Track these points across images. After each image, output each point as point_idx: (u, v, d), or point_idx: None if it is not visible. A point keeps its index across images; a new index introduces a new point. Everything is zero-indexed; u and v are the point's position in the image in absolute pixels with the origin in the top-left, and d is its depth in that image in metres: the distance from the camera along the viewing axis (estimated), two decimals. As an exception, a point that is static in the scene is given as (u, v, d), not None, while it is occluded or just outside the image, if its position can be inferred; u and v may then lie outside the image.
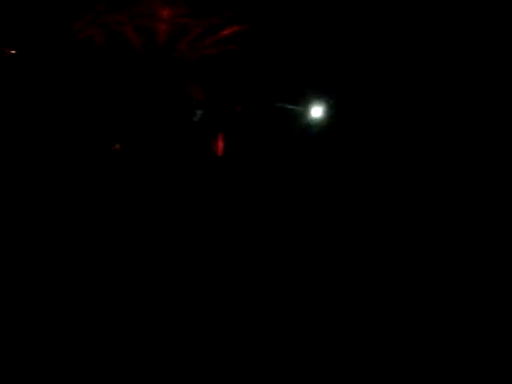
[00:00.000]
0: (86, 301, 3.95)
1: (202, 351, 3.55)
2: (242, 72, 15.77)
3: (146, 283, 4.21)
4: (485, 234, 6.39)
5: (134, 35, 15.71)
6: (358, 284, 3.84)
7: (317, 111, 3.94)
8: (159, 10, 15.80)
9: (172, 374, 3.31)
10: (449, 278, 5.12)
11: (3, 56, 12.99)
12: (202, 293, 4.25)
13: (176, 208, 3.97)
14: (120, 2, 15.01)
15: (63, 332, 3.56)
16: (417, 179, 7.65)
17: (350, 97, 8.69)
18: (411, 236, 6.06)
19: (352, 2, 15.25)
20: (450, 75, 12.06)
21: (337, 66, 14.10)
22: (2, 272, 3.90)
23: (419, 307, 4.42)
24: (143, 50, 16.05)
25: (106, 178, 5.29)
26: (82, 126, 8.88)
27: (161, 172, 4.89)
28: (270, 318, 3.97)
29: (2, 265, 3.88)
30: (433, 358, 3.60)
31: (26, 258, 3.92)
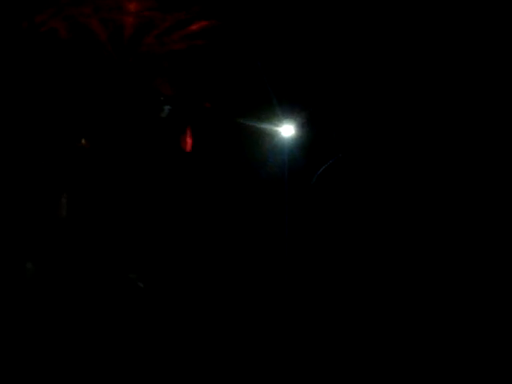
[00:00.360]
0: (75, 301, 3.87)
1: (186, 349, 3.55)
2: (210, 67, 15.68)
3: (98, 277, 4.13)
4: (481, 233, 6.47)
5: (100, 28, 15.39)
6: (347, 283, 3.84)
7: (288, 130, 3.93)
8: (126, 3, 15.51)
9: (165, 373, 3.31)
10: (444, 276, 5.21)
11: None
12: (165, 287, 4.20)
13: (144, 202, 3.93)
14: (84, -7, 14.68)
15: (63, 332, 3.50)
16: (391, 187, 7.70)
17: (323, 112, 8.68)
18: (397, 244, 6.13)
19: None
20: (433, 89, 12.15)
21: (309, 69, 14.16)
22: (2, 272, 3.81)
23: (412, 307, 4.50)
24: (109, 43, 15.75)
25: (72, 174, 5.18)
26: (45, 120, 8.64)
27: (129, 167, 4.82)
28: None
29: None
30: (430, 357, 3.67)
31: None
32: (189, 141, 12.46)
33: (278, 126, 4.22)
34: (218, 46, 15.75)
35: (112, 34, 15.66)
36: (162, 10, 15.67)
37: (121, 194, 4.02)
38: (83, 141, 7.22)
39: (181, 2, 15.67)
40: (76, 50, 14.84)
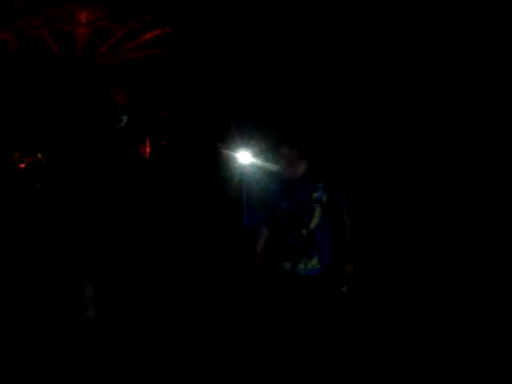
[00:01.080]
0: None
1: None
2: (166, 75, 15.63)
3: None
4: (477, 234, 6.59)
5: (51, 40, 15.09)
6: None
7: (245, 156, 3.99)
8: (77, 14, 15.29)
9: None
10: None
11: None
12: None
13: (105, 214, 3.93)
14: (35, 4, 14.34)
15: (63, 332, 3.47)
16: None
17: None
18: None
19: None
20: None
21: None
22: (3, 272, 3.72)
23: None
24: (62, 55, 15.47)
25: (31, 189, 5.11)
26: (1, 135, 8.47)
27: (88, 179, 4.79)
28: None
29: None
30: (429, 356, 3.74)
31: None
32: (148, 149, 12.40)
33: (234, 149, 4.27)
34: (173, 54, 15.72)
35: (64, 45, 15.40)
36: (115, 20, 15.52)
37: (82, 204, 4.02)
38: (39, 155, 7.12)
39: (133, 11, 15.56)
40: (28, 63, 14.49)
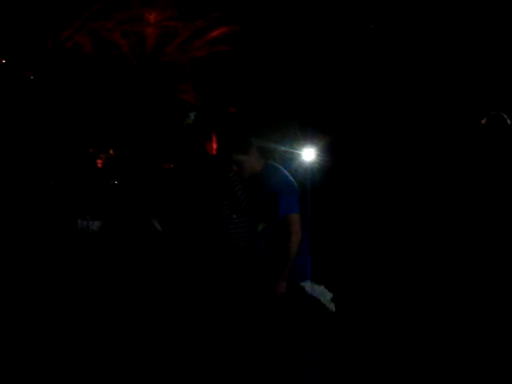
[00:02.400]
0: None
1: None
2: (233, 72, 15.70)
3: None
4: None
5: (123, 41, 15.64)
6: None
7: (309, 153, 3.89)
8: (146, 15, 15.74)
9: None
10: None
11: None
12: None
13: (170, 209, 3.90)
14: (107, 8, 14.90)
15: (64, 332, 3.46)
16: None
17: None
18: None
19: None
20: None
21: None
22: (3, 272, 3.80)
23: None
24: (132, 55, 15.98)
25: (102, 184, 5.18)
26: (74, 133, 8.80)
27: (157, 175, 4.79)
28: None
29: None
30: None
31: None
32: (214, 146, 12.43)
33: (299, 145, 4.18)
34: (239, 51, 15.76)
35: (135, 45, 15.91)
36: (182, 19, 15.84)
37: (150, 198, 4.04)
38: (111, 151, 7.29)
39: (200, 9, 15.77)
40: (101, 63, 15.09)
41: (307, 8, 15.50)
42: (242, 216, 3.36)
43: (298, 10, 15.56)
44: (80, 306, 3.58)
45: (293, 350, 3.09)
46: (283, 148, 4.41)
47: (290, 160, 4.52)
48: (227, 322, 3.22)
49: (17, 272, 3.63)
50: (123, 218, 3.98)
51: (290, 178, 3.22)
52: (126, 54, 15.99)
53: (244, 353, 3.13)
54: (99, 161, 7.17)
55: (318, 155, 5.23)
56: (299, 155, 4.82)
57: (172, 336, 3.44)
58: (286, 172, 3.25)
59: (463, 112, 10.77)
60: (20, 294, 3.56)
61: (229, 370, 3.14)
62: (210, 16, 15.91)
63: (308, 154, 4.65)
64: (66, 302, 3.54)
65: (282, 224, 3.06)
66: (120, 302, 3.66)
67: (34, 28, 13.89)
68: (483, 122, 4.77)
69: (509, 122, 4.66)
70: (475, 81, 11.89)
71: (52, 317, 3.48)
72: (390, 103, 12.20)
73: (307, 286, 3.18)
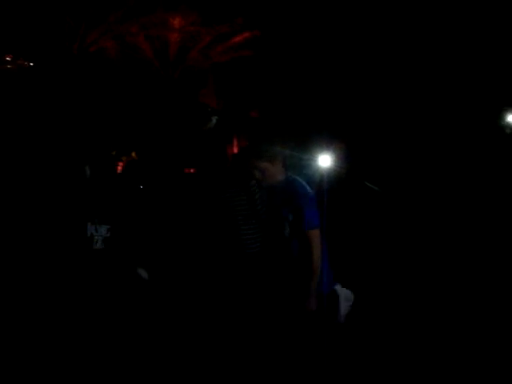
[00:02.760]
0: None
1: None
2: (255, 77, 15.73)
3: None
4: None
5: (146, 45, 15.81)
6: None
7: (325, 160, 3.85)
8: (170, 20, 15.88)
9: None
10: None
11: (22, 68, 13.18)
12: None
13: (193, 212, 3.90)
14: (131, 12, 15.08)
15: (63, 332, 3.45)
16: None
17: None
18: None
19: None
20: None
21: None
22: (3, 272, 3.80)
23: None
24: (156, 59, 16.15)
25: (123, 188, 5.21)
26: (97, 136, 8.88)
27: (179, 177, 4.81)
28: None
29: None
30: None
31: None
32: (235, 150, 12.44)
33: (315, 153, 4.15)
34: (261, 56, 15.79)
35: (158, 50, 16.08)
36: (206, 24, 15.94)
37: (171, 202, 4.06)
38: (133, 153, 7.34)
39: (223, 15, 15.86)
40: (124, 67, 15.27)
41: (330, 14, 15.48)
42: (256, 224, 3.36)
43: (321, 16, 15.55)
44: (83, 308, 3.58)
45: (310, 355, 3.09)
46: (302, 155, 4.37)
47: (306, 167, 4.49)
48: (236, 327, 3.22)
49: (19, 271, 3.65)
50: (135, 221, 3.98)
51: (311, 191, 3.20)
52: (150, 59, 16.16)
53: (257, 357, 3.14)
54: (120, 163, 7.22)
55: (334, 161, 5.17)
56: (315, 161, 4.79)
57: (181, 342, 3.45)
58: (306, 185, 3.21)
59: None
60: (20, 293, 3.58)
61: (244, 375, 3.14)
62: (232, 22, 15.98)
63: (324, 161, 4.61)
64: (67, 301, 3.55)
65: (305, 238, 3.06)
66: (127, 305, 3.67)
67: (60, 32, 14.13)
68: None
69: None
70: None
71: (52, 316, 3.50)
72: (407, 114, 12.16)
73: (338, 289, 3.21)
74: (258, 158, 3.14)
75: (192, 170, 5.26)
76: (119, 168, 7.41)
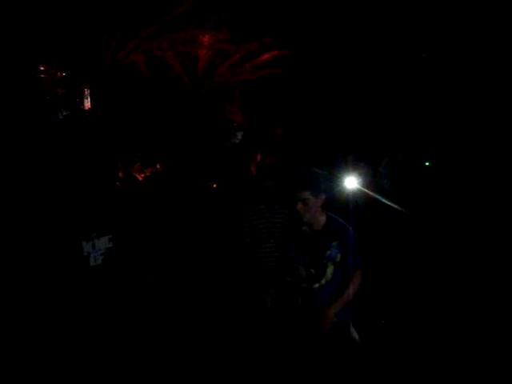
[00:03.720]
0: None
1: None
2: (281, 95, 15.80)
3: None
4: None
5: (176, 61, 16.07)
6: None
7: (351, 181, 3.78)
8: (200, 37, 16.14)
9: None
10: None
11: (54, 78, 13.51)
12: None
13: (214, 227, 3.90)
14: (162, 28, 15.37)
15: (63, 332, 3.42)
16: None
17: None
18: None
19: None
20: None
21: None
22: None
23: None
24: (184, 74, 16.39)
25: (147, 199, 5.24)
26: (126, 148, 9.04)
27: (202, 190, 4.81)
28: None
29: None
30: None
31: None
32: (259, 166, 12.45)
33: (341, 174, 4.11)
34: (289, 75, 15.88)
35: (187, 65, 16.32)
36: (235, 42, 16.15)
37: (196, 215, 4.08)
38: (158, 165, 7.42)
39: (253, 33, 16.04)
40: (154, 82, 15.52)
41: (358, 34, 15.51)
42: (274, 244, 3.41)
43: (349, 36, 15.59)
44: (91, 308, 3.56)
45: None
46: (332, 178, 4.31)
47: (333, 189, 4.43)
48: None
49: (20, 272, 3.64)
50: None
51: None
52: (178, 73, 16.40)
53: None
54: (142, 175, 7.31)
55: (359, 183, 5.11)
56: (342, 183, 4.74)
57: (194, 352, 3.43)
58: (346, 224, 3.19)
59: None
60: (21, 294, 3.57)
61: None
62: (261, 40, 16.15)
63: (350, 182, 4.56)
64: (68, 301, 3.52)
65: (349, 277, 3.09)
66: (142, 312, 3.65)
67: (93, 45, 14.49)
68: None
69: None
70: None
71: (52, 316, 3.48)
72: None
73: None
74: (303, 189, 3.07)
75: (215, 185, 5.26)
76: (140, 178, 7.51)
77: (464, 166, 9.43)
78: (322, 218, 3.12)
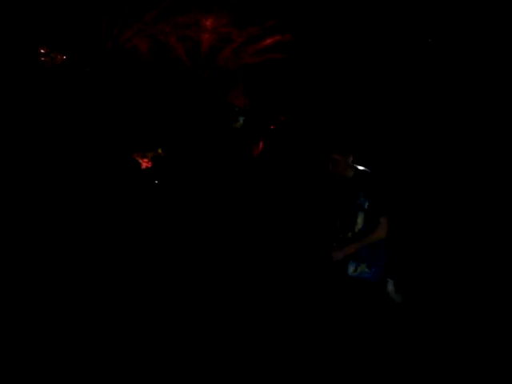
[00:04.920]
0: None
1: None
2: (284, 80, 15.75)
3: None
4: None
5: (178, 45, 16.01)
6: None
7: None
8: (203, 21, 16.03)
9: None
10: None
11: (55, 61, 13.48)
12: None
13: (217, 210, 3.94)
14: (165, 12, 15.28)
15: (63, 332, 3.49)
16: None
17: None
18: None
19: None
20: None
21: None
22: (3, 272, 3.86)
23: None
24: (187, 58, 16.34)
25: (149, 183, 5.30)
26: (127, 131, 9.05)
27: (203, 175, 4.87)
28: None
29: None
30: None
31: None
32: (260, 151, 12.50)
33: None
34: (292, 59, 15.81)
35: (189, 49, 16.25)
36: (237, 26, 16.04)
37: (196, 199, 4.12)
38: (159, 150, 7.45)
39: (255, 17, 15.92)
40: (156, 66, 15.49)
41: (361, 18, 15.40)
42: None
43: (352, 20, 15.48)
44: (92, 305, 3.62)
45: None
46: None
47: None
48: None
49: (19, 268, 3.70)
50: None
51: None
52: (181, 57, 16.34)
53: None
54: (145, 160, 7.33)
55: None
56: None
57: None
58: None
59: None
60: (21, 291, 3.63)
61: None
62: (264, 24, 16.04)
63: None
64: (68, 300, 3.59)
65: (376, 223, 3.34)
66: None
67: (96, 29, 14.44)
68: None
69: None
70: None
71: (52, 316, 3.54)
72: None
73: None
74: (334, 150, 3.37)
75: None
76: (143, 164, 7.54)
77: (464, 165, 9.48)
78: (351, 172, 3.41)
